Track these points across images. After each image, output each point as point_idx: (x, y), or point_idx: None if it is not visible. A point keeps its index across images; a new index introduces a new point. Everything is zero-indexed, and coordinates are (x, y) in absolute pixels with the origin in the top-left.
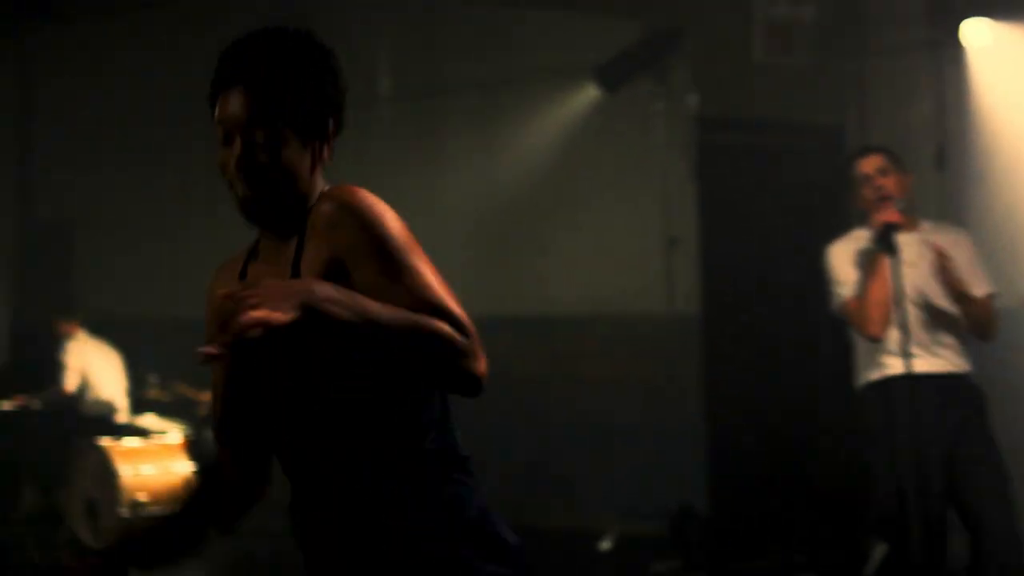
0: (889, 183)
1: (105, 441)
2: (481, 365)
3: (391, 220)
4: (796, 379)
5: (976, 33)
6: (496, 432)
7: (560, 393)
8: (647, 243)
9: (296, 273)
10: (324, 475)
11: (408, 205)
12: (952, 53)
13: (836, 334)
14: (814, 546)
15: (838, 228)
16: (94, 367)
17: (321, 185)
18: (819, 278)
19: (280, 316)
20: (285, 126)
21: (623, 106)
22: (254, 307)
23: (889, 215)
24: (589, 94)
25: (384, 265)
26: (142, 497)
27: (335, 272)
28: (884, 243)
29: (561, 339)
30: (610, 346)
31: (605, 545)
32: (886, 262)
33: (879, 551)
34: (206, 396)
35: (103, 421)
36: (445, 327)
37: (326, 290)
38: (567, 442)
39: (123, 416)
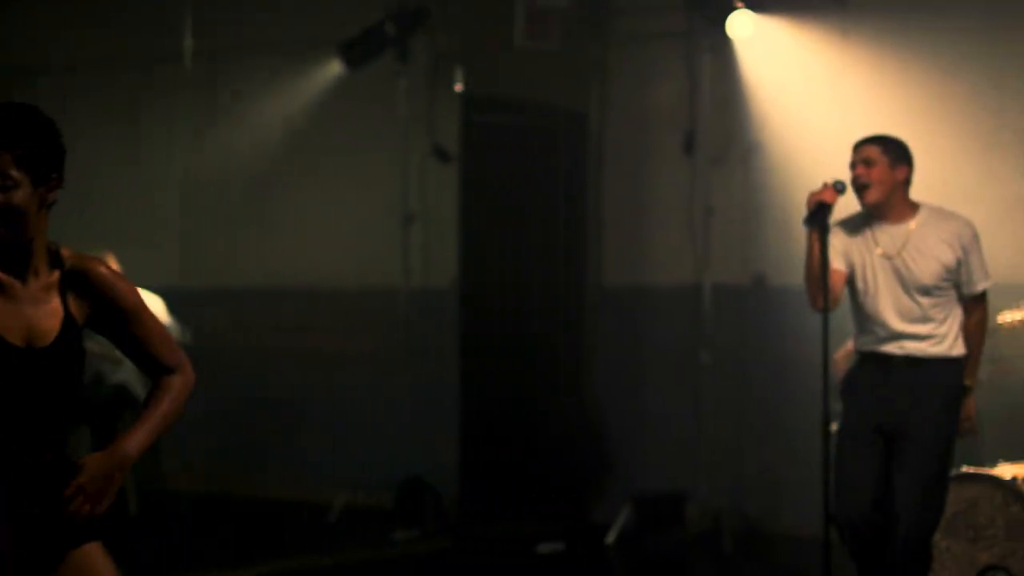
0: (870, 173)
1: None
2: (193, 376)
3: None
4: (544, 355)
5: (740, 25)
6: (219, 403)
7: (282, 365)
8: (385, 220)
9: (69, 314)
10: None
11: (140, 175)
12: (704, 43)
13: (568, 313)
14: (560, 514)
15: (579, 207)
16: None
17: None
18: (560, 256)
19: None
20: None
21: (366, 83)
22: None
23: (824, 195)
24: (333, 70)
25: (146, 325)
26: None
27: (96, 318)
28: (812, 220)
29: (286, 311)
30: (336, 319)
31: (332, 516)
32: (816, 239)
33: (623, 517)
34: None
35: None
36: (179, 386)
37: (133, 447)
38: (289, 414)
39: None
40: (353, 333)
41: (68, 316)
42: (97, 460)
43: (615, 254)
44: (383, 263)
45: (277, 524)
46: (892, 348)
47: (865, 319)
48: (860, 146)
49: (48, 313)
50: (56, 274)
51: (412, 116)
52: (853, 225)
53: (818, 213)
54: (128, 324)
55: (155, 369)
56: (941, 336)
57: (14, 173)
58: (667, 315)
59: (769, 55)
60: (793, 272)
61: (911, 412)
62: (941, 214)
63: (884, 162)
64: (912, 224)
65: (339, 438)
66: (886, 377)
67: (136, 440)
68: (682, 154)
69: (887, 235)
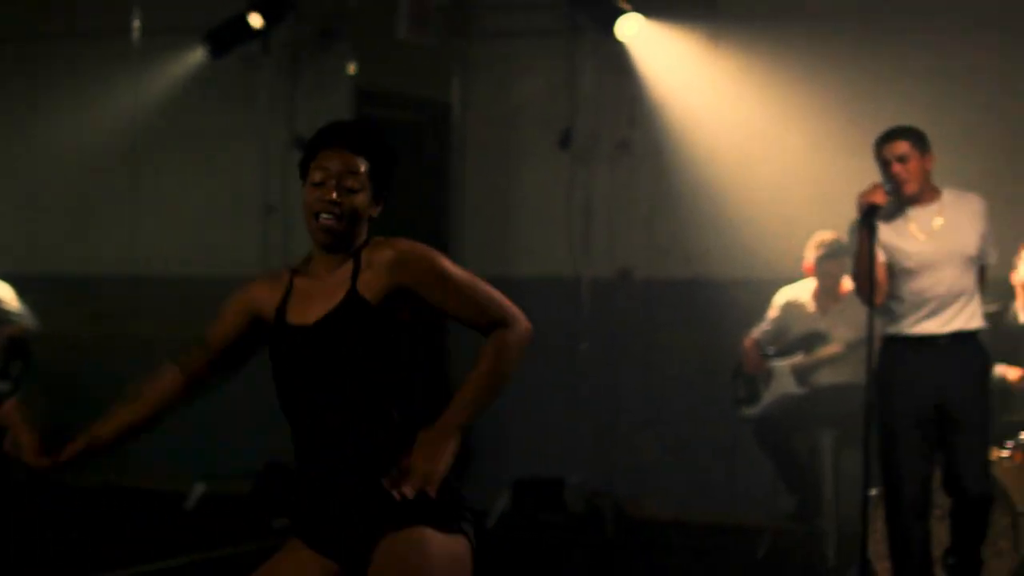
0: (908, 169)
1: None
2: (525, 326)
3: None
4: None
5: (628, 27)
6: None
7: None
8: (245, 210)
9: (354, 289)
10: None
11: None
12: (585, 42)
13: None
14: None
15: (445, 197)
16: None
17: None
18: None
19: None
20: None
21: (230, 72)
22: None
23: (874, 197)
24: (198, 57)
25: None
26: None
27: (396, 295)
28: (865, 222)
29: (143, 299)
30: (192, 308)
31: (190, 504)
32: (866, 238)
33: (502, 502)
34: None
35: None
36: (495, 346)
37: (458, 420)
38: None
39: None
40: (210, 321)
41: (349, 296)
42: (427, 436)
43: (480, 245)
44: (241, 253)
45: (140, 512)
46: (934, 325)
47: (910, 299)
48: (890, 143)
49: (330, 296)
50: (351, 265)
51: (273, 106)
52: (886, 213)
53: (870, 215)
54: (431, 296)
55: (481, 330)
56: (975, 308)
57: (362, 179)
58: (535, 307)
59: (648, 57)
60: (658, 266)
61: (956, 388)
62: (959, 192)
63: (916, 155)
64: (940, 203)
65: (193, 427)
66: (931, 356)
67: (454, 413)
68: (556, 149)
69: (924, 215)
